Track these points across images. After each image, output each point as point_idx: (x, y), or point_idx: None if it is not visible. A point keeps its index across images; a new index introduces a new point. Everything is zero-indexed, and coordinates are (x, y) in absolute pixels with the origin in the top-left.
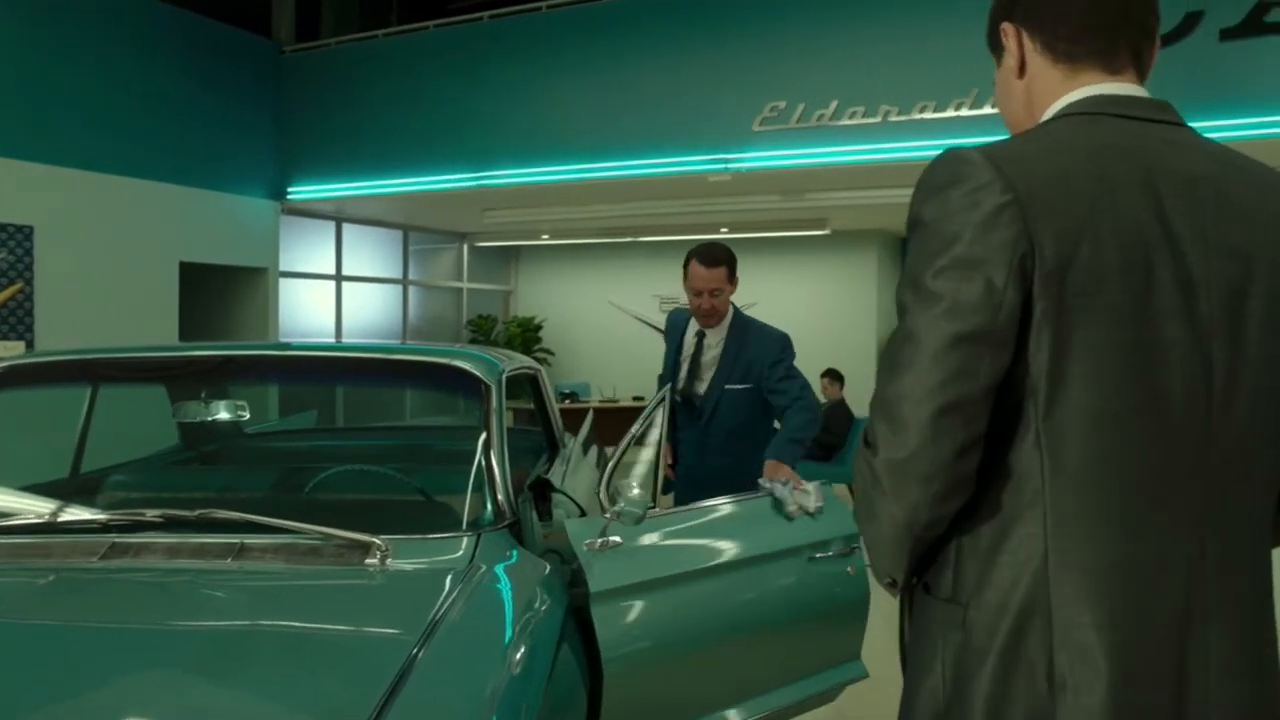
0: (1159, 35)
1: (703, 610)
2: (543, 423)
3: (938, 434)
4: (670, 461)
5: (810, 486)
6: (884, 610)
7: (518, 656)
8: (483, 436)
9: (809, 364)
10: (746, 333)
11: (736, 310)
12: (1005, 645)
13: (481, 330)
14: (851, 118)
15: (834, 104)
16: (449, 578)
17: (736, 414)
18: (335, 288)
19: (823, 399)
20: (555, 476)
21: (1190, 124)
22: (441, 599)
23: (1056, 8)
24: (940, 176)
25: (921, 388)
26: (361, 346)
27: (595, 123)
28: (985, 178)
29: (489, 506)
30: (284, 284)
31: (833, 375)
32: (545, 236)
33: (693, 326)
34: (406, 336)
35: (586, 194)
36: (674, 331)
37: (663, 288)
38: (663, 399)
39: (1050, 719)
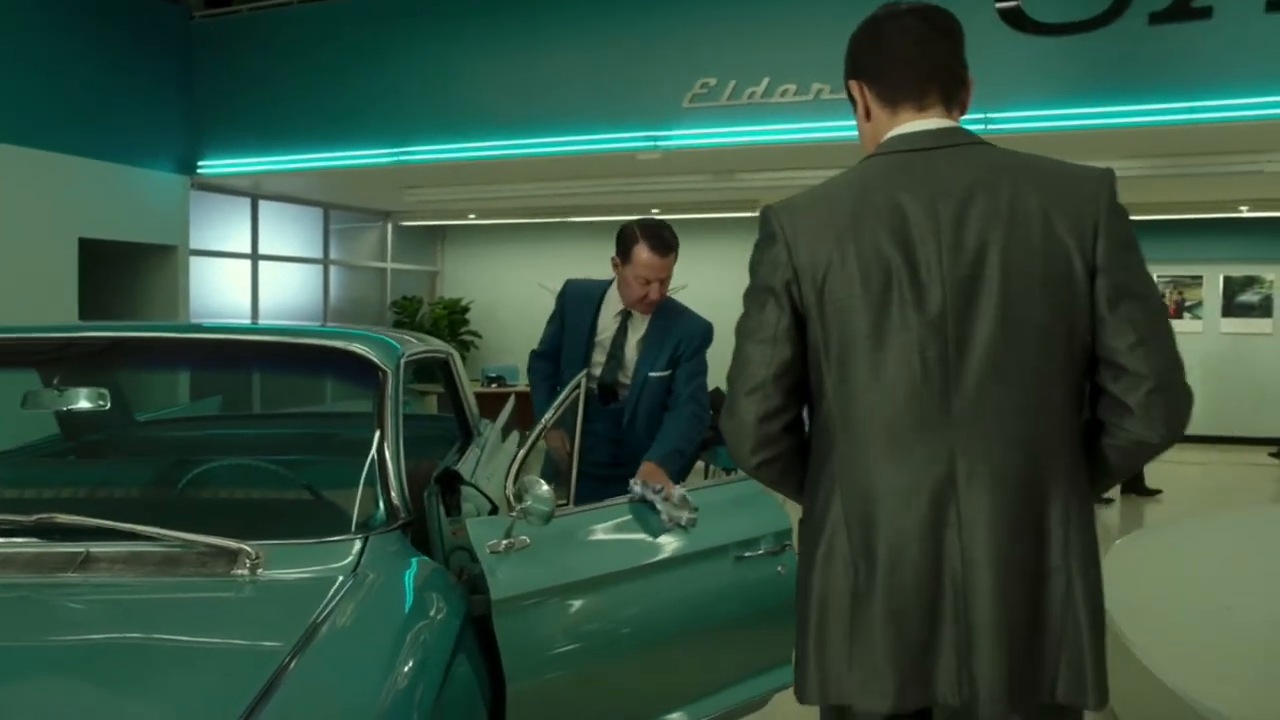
0: (968, 78)
1: (619, 617)
2: (455, 409)
3: (746, 406)
4: (567, 449)
5: (678, 496)
6: None
7: (403, 670)
8: (376, 428)
9: None
10: (673, 315)
11: None
12: (824, 551)
13: (406, 312)
14: (783, 95)
15: (765, 81)
16: (330, 588)
17: (658, 404)
18: (251, 267)
19: None
20: (467, 466)
21: (1121, 106)
22: (316, 613)
23: (881, 67)
24: (759, 225)
25: (739, 376)
26: (248, 328)
27: (519, 97)
28: (770, 227)
29: (380, 506)
30: (196, 263)
31: None
32: (472, 216)
33: (612, 306)
34: (328, 318)
35: (511, 172)
36: (580, 306)
37: (593, 269)
38: (578, 385)
39: (851, 599)
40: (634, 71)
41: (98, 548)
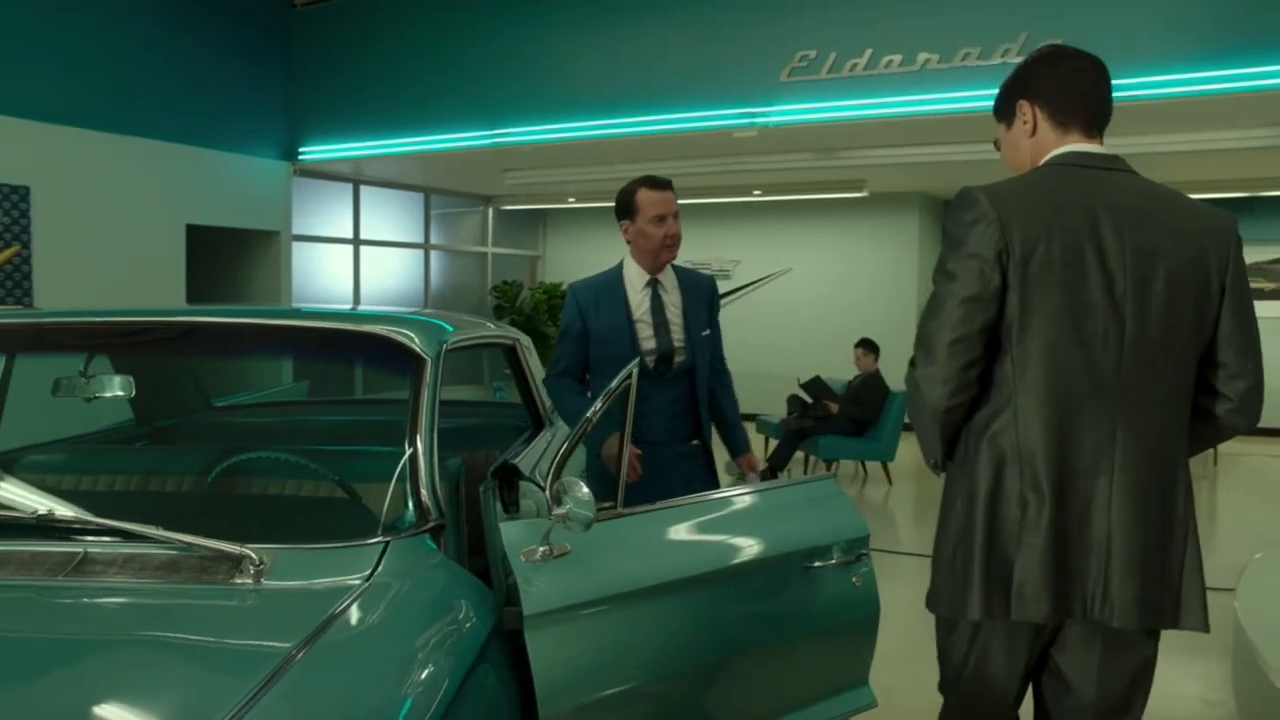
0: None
1: (670, 634)
2: (524, 398)
3: (951, 355)
4: (614, 453)
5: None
6: (897, 628)
7: (402, 684)
8: (410, 420)
9: (845, 334)
10: (689, 274)
11: None
12: (993, 485)
13: (506, 297)
14: (887, 67)
15: (868, 52)
16: (337, 599)
17: (708, 366)
18: (353, 252)
19: (855, 370)
20: (530, 459)
21: (1260, 68)
22: (314, 626)
23: (1061, 94)
24: (958, 203)
25: (943, 328)
26: (288, 312)
27: (612, 76)
28: (982, 206)
29: (408, 506)
30: (300, 248)
31: (867, 345)
32: (572, 200)
33: (635, 279)
34: (428, 303)
35: (607, 153)
36: (602, 298)
37: (695, 253)
38: (629, 375)
39: (1019, 528)
40: (729, 45)
41: (97, 548)
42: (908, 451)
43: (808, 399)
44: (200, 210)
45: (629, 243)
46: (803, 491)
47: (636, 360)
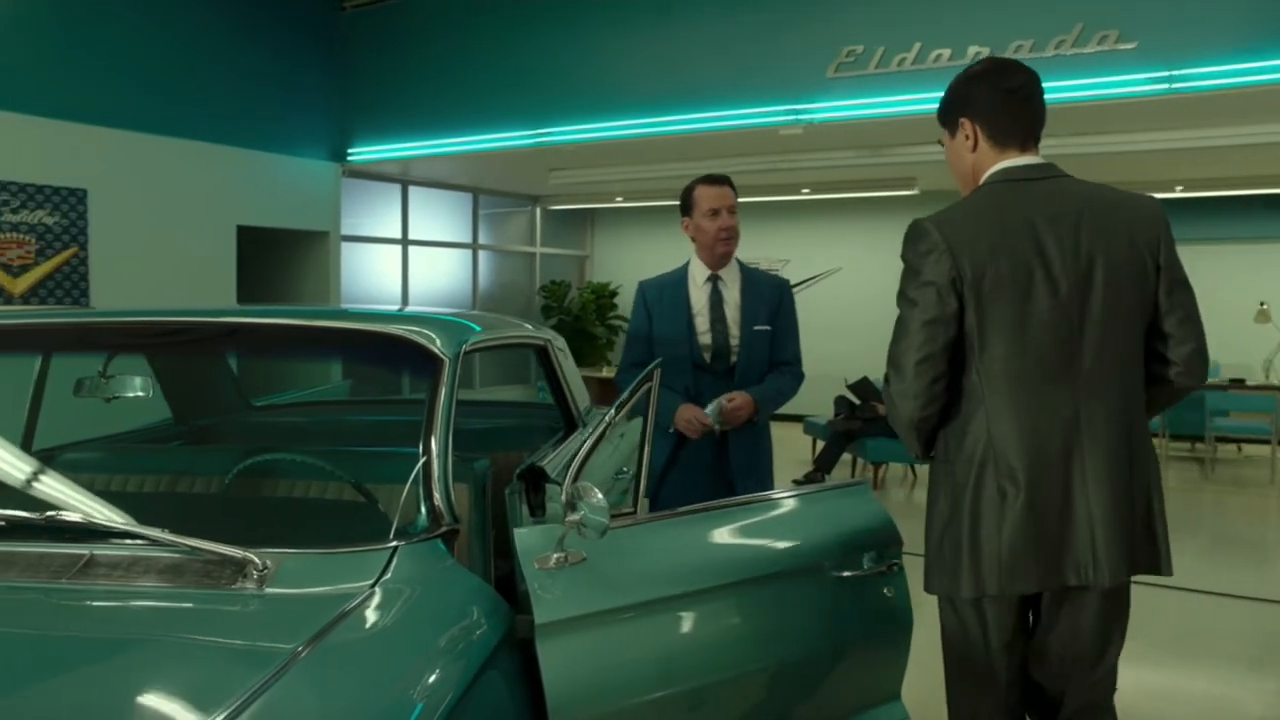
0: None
1: (690, 646)
2: (556, 398)
3: (918, 374)
4: (705, 425)
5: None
6: (936, 634)
7: (398, 693)
8: (425, 423)
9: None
10: (756, 275)
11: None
12: (974, 480)
13: (554, 297)
14: (936, 61)
15: (917, 46)
16: (339, 606)
17: (761, 363)
18: (401, 252)
19: None
20: (559, 461)
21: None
22: (312, 634)
23: (997, 114)
24: (912, 235)
25: (909, 350)
26: (305, 312)
27: (655, 73)
28: (933, 238)
29: (421, 511)
30: (349, 248)
31: None
32: (619, 199)
33: (698, 275)
34: (476, 303)
35: (651, 152)
36: (667, 294)
37: (743, 252)
38: (650, 376)
39: (999, 513)
40: (774, 42)
41: (102, 551)
42: None
43: (855, 400)
44: (251, 211)
45: (692, 239)
46: (833, 498)
47: (658, 361)
